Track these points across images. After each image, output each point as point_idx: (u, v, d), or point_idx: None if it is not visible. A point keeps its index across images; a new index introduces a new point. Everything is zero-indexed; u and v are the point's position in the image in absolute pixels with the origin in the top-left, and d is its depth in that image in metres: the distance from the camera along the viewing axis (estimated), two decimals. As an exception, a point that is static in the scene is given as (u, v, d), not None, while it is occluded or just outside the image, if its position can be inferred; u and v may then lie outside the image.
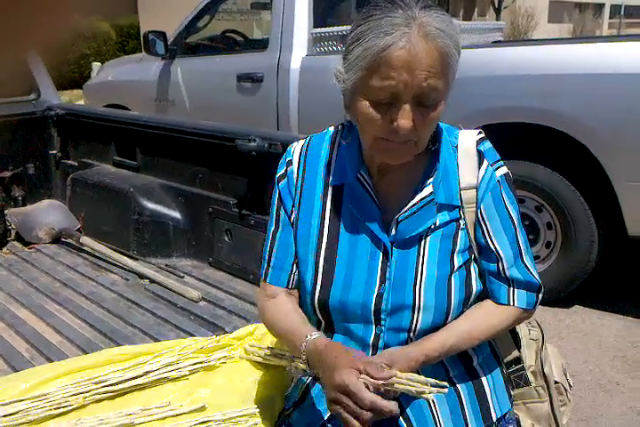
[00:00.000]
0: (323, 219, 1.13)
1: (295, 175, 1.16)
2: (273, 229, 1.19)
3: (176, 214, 2.51)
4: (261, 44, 4.14)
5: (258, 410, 1.43)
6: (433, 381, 0.98)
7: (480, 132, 1.13)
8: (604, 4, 32.15)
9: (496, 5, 23.73)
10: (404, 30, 0.93)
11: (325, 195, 1.14)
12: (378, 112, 0.98)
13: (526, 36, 21.02)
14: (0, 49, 0.31)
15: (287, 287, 1.17)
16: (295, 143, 1.20)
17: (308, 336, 1.05)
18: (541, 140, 2.91)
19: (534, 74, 2.83)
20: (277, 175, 1.19)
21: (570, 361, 1.34)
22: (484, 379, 1.16)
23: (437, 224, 1.09)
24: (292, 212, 1.16)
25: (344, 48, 1.03)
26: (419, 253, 1.08)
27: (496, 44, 4.36)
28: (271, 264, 1.18)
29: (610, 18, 32.63)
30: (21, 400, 1.41)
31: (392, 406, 0.93)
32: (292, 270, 1.17)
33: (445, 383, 0.97)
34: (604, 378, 2.47)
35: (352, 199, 1.11)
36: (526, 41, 6.82)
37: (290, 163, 1.17)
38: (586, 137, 2.72)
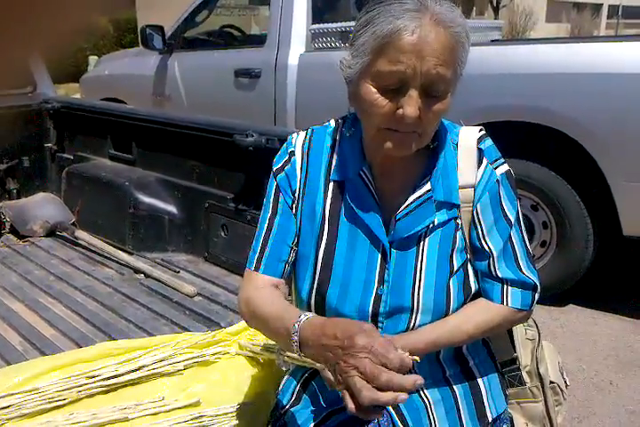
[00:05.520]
0: (324, 215, 1.10)
1: (298, 166, 1.12)
2: (269, 215, 1.12)
3: (172, 209, 2.50)
4: (259, 40, 4.13)
5: (252, 405, 1.43)
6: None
7: (481, 130, 1.10)
8: (602, 5, 32.17)
9: (494, 4, 23.74)
10: (416, 15, 0.90)
11: (327, 190, 1.10)
12: (384, 98, 0.94)
13: (524, 36, 21.04)
14: (9, 48, 0.30)
15: (281, 278, 1.11)
16: (295, 134, 1.16)
17: (302, 316, 0.94)
18: (538, 139, 2.91)
19: (532, 73, 2.83)
20: (278, 165, 1.14)
21: (563, 360, 1.34)
22: (480, 381, 1.15)
23: (436, 223, 1.06)
24: (292, 201, 1.11)
25: (352, 34, 0.99)
26: (417, 255, 1.06)
27: (495, 42, 4.36)
28: (266, 253, 1.11)
29: (608, 18, 32.66)
30: (14, 394, 1.40)
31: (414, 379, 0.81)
32: (288, 260, 1.11)
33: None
34: (597, 377, 2.48)
35: (352, 196, 1.08)
36: (524, 40, 6.81)
37: (292, 153, 1.13)
38: (583, 136, 2.72)
